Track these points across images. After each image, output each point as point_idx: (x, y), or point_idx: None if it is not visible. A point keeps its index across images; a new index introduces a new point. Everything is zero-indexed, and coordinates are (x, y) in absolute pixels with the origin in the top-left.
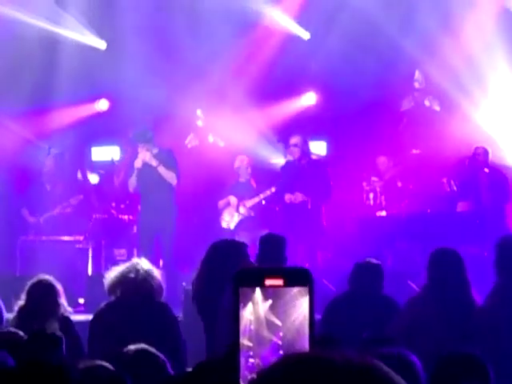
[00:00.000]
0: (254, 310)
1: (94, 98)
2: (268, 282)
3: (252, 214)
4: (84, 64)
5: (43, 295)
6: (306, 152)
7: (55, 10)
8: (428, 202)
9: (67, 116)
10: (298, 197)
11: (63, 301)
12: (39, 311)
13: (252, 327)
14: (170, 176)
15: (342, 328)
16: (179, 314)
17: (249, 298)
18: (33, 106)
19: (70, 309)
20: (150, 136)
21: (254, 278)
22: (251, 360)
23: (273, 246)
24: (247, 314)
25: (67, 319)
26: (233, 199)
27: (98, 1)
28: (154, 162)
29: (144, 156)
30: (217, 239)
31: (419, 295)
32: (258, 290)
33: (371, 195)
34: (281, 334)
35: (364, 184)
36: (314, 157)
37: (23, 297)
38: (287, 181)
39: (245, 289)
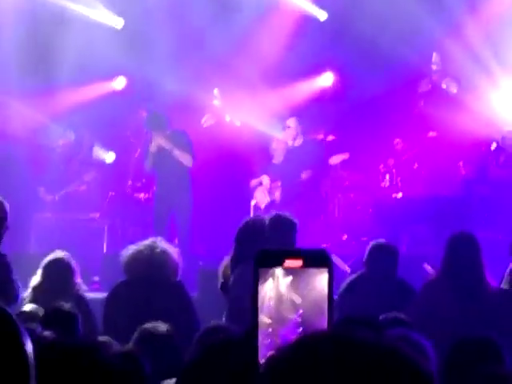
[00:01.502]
0: (274, 286)
1: (111, 77)
2: (288, 263)
3: (282, 196)
4: (101, 43)
5: (59, 273)
6: (299, 133)
7: None
8: (444, 184)
9: (83, 94)
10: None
11: (79, 279)
12: (55, 289)
13: (271, 304)
14: (185, 158)
15: (358, 309)
16: (194, 294)
17: (269, 274)
18: (48, 85)
19: (85, 287)
20: (162, 121)
21: (274, 259)
22: (270, 337)
23: (282, 228)
24: (267, 291)
25: (81, 297)
26: (266, 179)
27: None
28: (168, 146)
29: (158, 141)
30: (245, 218)
31: (435, 279)
32: (278, 268)
33: (387, 177)
34: (300, 311)
35: (380, 166)
36: (309, 137)
37: (39, 274)
38: (286, 166)
39: (264, 269)
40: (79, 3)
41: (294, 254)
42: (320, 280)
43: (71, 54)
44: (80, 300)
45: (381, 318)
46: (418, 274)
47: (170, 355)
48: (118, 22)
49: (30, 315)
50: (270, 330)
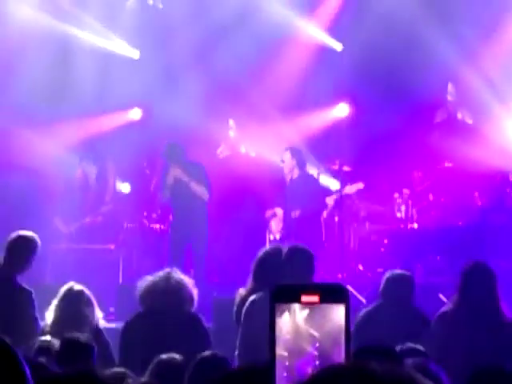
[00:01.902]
0: (291, 320)
1: (126, 108)
2: (304, 299)
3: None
4: (117, 73)
5: (75, 304)
6: (295, 165)
7: (79, 16)
8: (460, 215)
9: (99, 125)
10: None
11: (96, 310)
12: (71, 320)
13: (288, 337)
14: (201, 191)
15: (375, 340)
16: (209, 324)
17: (285, 308)
18: (67, 115)
19: (101, 316)
20: (180, 152)
21: (291, 295)
22: (286, 370)
23: (299, 259)
24: (283, 324)
25: (98, 328)
26: (279, 211)
27: (129, 11)
28: (185, 178)
29: (175, 172)
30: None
31: (450, 309)
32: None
33: (403, 207)
34: (317, 344)
35: (396, 196)
36: (306, 170)
37: (56, 305)
38: (284, 197)
39: (281, 304)
40: (97, 35)
41: (311, 290)
42: (337, 313)
43: (88, 85)
44: (97, 332)
45: (397, 348)
46: (433, 304)
47: None
48: (134, 54)
49: (45, 347)
50: (287, 363)
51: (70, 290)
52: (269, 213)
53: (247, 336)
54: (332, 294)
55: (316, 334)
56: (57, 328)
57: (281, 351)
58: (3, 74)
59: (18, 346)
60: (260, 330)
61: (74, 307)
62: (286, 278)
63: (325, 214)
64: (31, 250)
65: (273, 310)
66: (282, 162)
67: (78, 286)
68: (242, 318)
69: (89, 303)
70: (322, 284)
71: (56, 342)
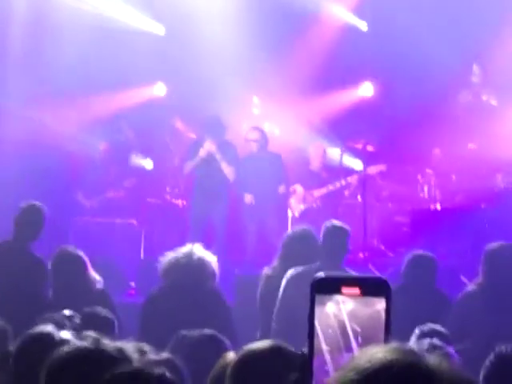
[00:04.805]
0: (332, 312)
1: (150, 83)
2: (345, 291)
3: (317, 204)
4: (142, 49)
5: (70, 267)
6: (263, 146)
7: None
8: (482, 197)
9: (122, 100)
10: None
11: (91, 272)
12: (71, 288)
13: (329, 330)
14: (229, 172)
15: (396, 321)
16: (231, 301)
17: (326, 300)
18: (89, 90)
19: (98, 278)
20: (221, 129)
21: (331, 287)
22: (327, 364)
23: (336, 236)
24: (324, 316)
25: (103, 293)
26: (299, 188)
27: None
28: (217, 156)
29: (210, 148)
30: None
31: (473, 290)
32: (335, 295)
33: (426, 188)
34: (359, 338)
35: (419, 176)
36: (271, 150)
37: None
38: (246, 175)
39: (321, 296)
40: (122, 11)
41: (352, 282)
42: (377, 306)
43: (111, 60)
44: (103, 295)
45: (418, 329)
46: (455, 286)
47: (205, 361)
48: (159, 30)
49: (65, 321)
50: (327, 356)
51: (62, 253)
52: (290, 189)
53: (285, 311)
54: (373, 286)
55: (357, 327)
56: (60, 298)
57: (321, 343)
58: (28, 51)
59: (33, 320)
60: (298, 308)
61: (71, 275)
62: (317, 257)
63: (347, 193)
64: (38, 214)
65: (313, 301)
66: (254, 141)
67: (69, 248)
68: (281, 293)
69: (85, 267)
70: (363, 276)
71: (75, 316)
